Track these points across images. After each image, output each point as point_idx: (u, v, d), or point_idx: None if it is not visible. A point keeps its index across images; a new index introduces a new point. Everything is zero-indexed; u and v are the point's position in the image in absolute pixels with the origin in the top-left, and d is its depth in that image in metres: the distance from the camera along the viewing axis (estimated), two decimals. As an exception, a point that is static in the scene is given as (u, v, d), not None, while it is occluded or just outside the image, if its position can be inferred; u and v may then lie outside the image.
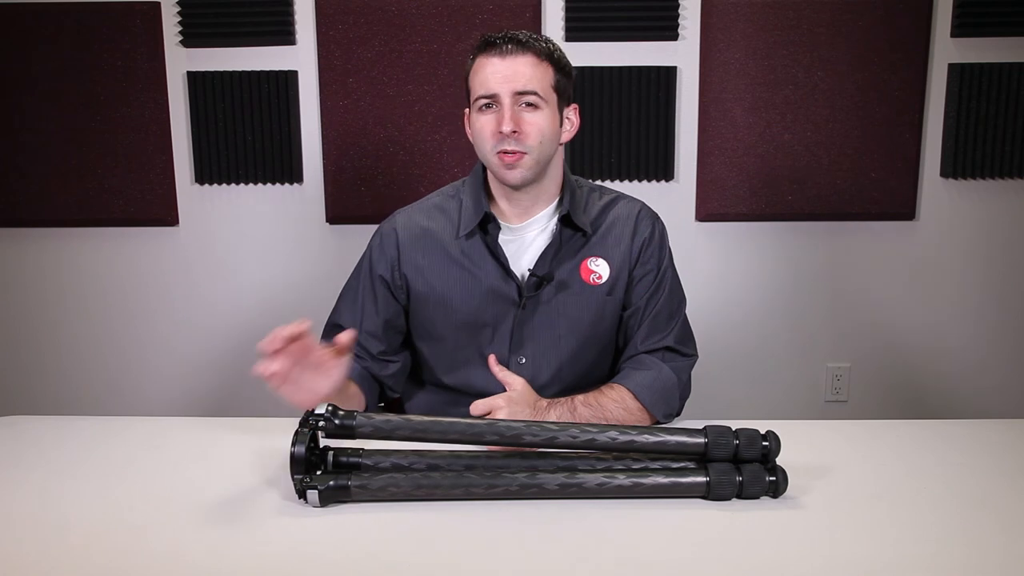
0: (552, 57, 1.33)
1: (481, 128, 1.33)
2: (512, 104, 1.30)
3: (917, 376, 2.63)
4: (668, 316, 1.42)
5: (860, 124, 2.46)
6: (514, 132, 1.29)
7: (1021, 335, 2.60)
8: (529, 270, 1.38)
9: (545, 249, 1.38)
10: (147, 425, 1.41)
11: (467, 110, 1.38)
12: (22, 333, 2.66)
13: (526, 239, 1.41)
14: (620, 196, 1.47)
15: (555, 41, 1.37)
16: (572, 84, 1.39)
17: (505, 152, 1.31)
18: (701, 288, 2.51)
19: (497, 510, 1.03)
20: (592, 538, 0.97)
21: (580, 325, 1.41)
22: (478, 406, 1.20)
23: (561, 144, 1.39)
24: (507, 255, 1.39)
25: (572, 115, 1.40)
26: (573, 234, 1.40)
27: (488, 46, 1.32)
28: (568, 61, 1.37)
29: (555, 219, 1.40)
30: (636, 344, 1.41)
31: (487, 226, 1.39)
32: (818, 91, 2.45)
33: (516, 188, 1.36)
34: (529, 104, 1.31)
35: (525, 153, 1.31)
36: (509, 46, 1.30)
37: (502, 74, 1.29)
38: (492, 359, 1.28)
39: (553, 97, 1.34)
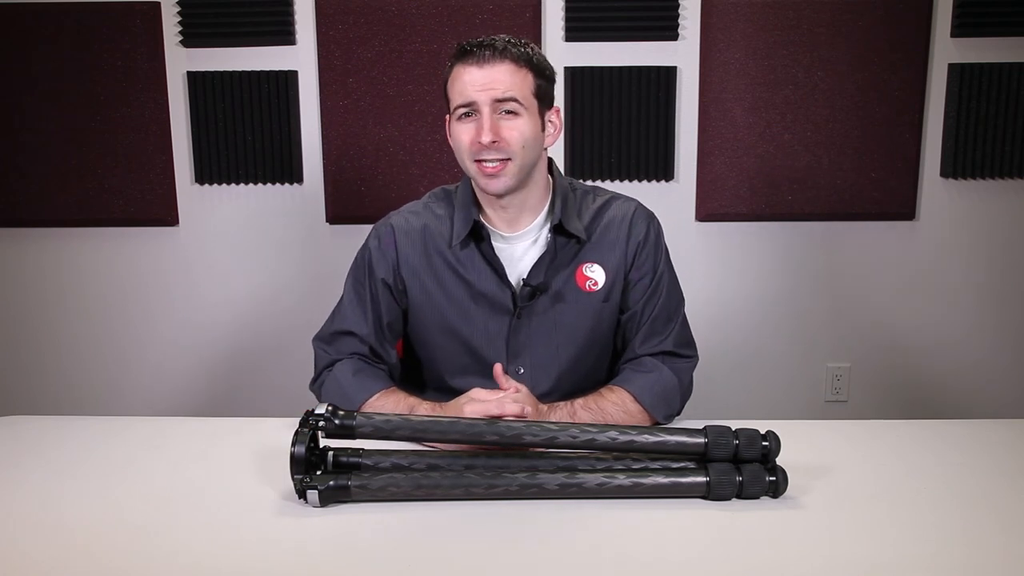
0: (532, 62, 1.30)
1: (460, 137, 1.31)
2: (491, 113, 1.27)
3: (917, 376, 2.63)
4: (666, 319, 1.40)
5: (860, 124, 2.46)
6: (494, 142, 1.27)
7: (1021, 335, 2.60)
8: (523, 279, 1.36)
9: (539, 259, 1.36)
10: (147, 425, 1.41)
11: (448, 116, 1.35)
12: (22, 333, 2.66)
13: (518, 249, 1.39)
14: (615, 197, 1.45)
15: (535, 45, 1.34)
16: (554, 87, 1.36)
17: (485, 161, 1.29)
18: (701, 288, 2.51)
19: (497, 510, 1.03)
20: (592, 538, 0.97)
21: (578, 333, 1.39)
22: (476, 414, 1.18)
23: (545, 149, 1.37)
24: (502, 263, 1.37)
25: (554, 118, 1.37)
26: (567, 241, 1.38)
27: (465, 54, 1.29)
28: (549, 64, 1.34)
29: (547, 229, 1.38)
30: (635, 348, 1.40)
31: (481, 234, 1.37)
32: (818, 91, 2.45)
33: (499, 196, 1.34)
34: (509, 111, 1.28)
35: (508, 160, 1.29)
36: (486, 53, 1.27)
37: (480, 82, 1.27)
38: (498, 368, 1.25)
39: (534, 103, 1.31)
